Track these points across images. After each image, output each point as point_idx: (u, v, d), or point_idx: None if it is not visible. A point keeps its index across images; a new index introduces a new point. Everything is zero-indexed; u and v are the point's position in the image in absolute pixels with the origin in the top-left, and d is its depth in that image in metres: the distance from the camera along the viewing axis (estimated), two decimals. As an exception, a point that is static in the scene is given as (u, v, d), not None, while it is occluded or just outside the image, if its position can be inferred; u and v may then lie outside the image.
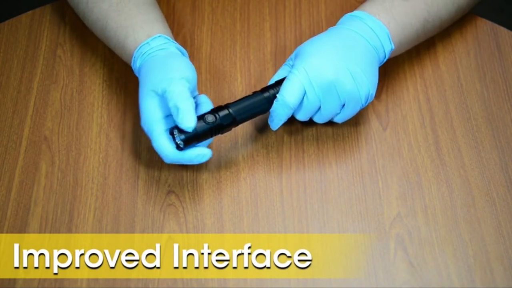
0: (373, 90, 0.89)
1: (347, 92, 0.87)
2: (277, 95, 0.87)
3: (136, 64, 0.90)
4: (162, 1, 1.05)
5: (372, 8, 0.92)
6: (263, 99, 0.88)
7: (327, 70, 0.86)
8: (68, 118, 0.95)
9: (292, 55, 0.91)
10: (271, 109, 0.88)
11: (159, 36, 0.90)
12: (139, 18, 0.92)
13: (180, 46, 0.91)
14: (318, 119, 0.89)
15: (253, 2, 1.05)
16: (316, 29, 1.02)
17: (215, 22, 1.03)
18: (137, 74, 0.91)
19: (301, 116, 0.89)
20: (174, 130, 0.84)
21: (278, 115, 0.88)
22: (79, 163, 0.91)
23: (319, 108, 0.88)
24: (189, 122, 0.83)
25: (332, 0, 1.05)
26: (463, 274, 0.83)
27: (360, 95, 0.87)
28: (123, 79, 0.97)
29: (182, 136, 0.83)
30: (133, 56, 0.90)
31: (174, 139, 0.84)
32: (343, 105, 0.88)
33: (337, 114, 0.89)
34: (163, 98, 0.85)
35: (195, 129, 0.83)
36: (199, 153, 0.85)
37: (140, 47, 0.90)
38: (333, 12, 1.04)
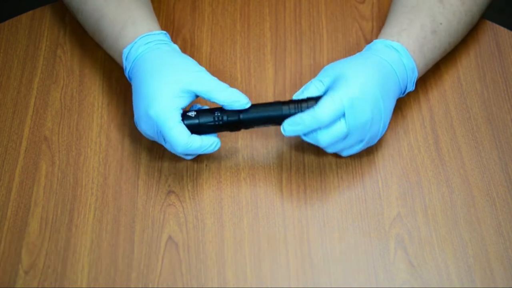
0: (386, 129, 0.89)
1: (374, 133, 0.86)
2: (311, 106, 0.84)
3: (137, 50, 0.89)
4: (162, 1, 1.05)
5: (409, 41, 0.90)
6: (279, 110, 0.86)
7: (367, 108, 0.84)
8: (68, 118, 0.95)
9: (328, 72, 0.87)
10: (298, 115, 0.84)
11: (161, 33, 0.91)
12: (140, 13, 0.92)
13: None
14: (331, 149, 0.87)
15: (253, 2, 1.05)
16: (316, 29, 1.02)
17: (215, 22, 1.03)
18: (128, 62, 0.90)
19: (322, 139, 0.85)
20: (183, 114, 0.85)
21: (301, 123, 0.84)
22: (79, 163, 0.91)
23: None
24: (243, 100, 0.86)
25: (332, 0, 1.05)
26: (463, 274, 0.83)
27: (380, 136, 0.88)
28: (123, 79, 0.97)
29: (189, 121, 0.85)
30: (134, 43, 0.89)
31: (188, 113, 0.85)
32: (359, 142, 0.87)
33: (349, 148, 0.88)
34: (184, 91, 0.85)
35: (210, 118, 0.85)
36: (214, 141, 0.86)
37: (145, 36, 0.90)
38: (333, 12, 1.04)
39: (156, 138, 0.87)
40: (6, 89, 0.98)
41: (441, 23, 0.92)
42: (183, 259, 0.84)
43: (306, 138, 0.86)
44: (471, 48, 1.00)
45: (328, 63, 0.98)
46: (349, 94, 0.83)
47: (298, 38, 1.02)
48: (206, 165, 0.91)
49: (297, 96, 0.88)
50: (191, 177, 0.90)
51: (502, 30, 1.01)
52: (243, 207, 0.88)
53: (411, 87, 0.91)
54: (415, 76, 0.90)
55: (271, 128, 0.93)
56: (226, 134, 0.93)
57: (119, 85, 0.97)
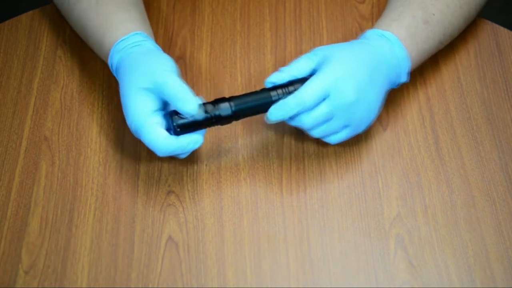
0: (375, 118, 0.89)
1: (359, 118, 0.86)
2: (296, 90, 0.84)
3: (113, 60, 0.90)
4: (162, 1, 1.05)
5: (400, 30, 0.90)
6: (268, 97, 0.86)
7: (351, 89, 0.84)
8: (68, 118, 0.95)
9: (317, 52, 0.87)
10: (282, 100, 0.84)
11: (135, 34, 0.90)
12: (118, 17, 0.92)
13: (156, 44, 0.91)
14: (315, 132, 0.87)
15: (253, 2, 1.05)
16: (316, 29, 1.02)
17: (215, 22, 1.03)
18: (114, 72, 0.91)
19: (306, 121, 0.85)
20: (172, 113, 0.83)
21: (286, 108, 0.83)
22: (79, 163, 0.91)
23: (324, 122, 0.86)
24: (191, 106, 0.82)
25: (332, 0, 1.05)
26: (463, 274, 0.83)
27: (367, 123, 0.88)
28: (123, 79, 0.97)
29: (180, 121, 0.83)
30: (110, 53, 0.90)
31: (172, 122, 0.83)
32: (345, 126, 0.87)
33: (335, 134, 0.88)
34: (153, 93, 0.84)
35: (193, 116, 0.83)
36: (191, 140, 0.84)
37: (117, 44, 0.90)
38: (333, 12, 1.04)
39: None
40: (6, 89, 0.98)
41: (433, 14, 0.92)
42: (183, 259, 0.84)
43: (291, 122, 0.86)
44: (471, 48, 1.00)
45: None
46: (334, 74, 0.84)
47: (298, 38, 1.02)
48: (206, 165, 0.91)
49: (284, 70, 0.87)
50: (191, 177, 0.90)
51: (502, 30, 1.01)
52: (243, 207, 0.88)
53: (404, 78, 0.91)
54: (408, 66, 0.90)
55: (272, 128, 0.93)
56: (226, 134, 0.93)
57: (119, 85, 0.97)
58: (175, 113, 0.84)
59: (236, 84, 0.97)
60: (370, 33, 0.90)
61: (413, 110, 0.95)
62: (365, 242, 0.85)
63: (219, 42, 1.01)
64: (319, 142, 0.92)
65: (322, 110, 0.84)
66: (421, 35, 0.91)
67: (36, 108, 0.96)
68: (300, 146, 0.92)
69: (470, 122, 0.94)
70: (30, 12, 1.04)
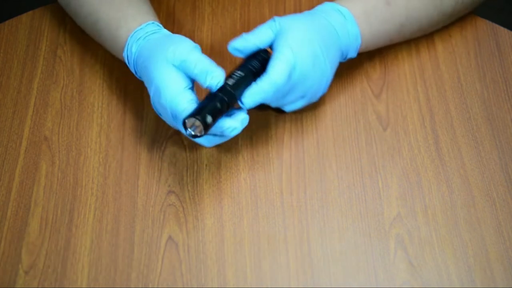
0: (327, 88, 0.90)
1: (315, 89, 0.88)
2: (267, 73, 0.84)
3: (131, 51, 0.90)
4: (162, 1, 1.05)
5: (356, 7, 0.91)
6: (251, 75, 0.85)
7: (309, 62, 0.85)
8: (68, 118, 0.95)
9: (277, 23, 0.87)
10: (255, 86, 0.83)
11: (151, 23, 0.91)
12: (131, 10, 0.92)
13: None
14: (273, 104, 0.88)
15: (253, 2, 1.05)
16: (316, 29, 1.02)
17: (215, 22, 1.03)
18: (131, 64, 0.91)
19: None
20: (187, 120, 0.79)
21: (261, 92, 0.83)
22: (79, 163, 0.91)
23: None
24: (221, 75, 0.82)
25: (332, 0, 1.05)
26: (463, 274, 0.83)
27: (321, 93, 0.89)
28: (123, 79, 0.97)
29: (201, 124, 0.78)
30: (127, 44, 0.90)
31: (189, 129, 0.79)
32: (301, 97, 0.89)
33: (291, 103, 0.89)
34: (180, 70, 0.84)
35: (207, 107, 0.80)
36: (230, 125, 0.83)
37: (134, 33, 0.90)
38: (333, 12, 1.04)
39: (172, 125, 0.88)
40: (6, 89, 0.98)
41: None
42: (183, 259, 0.84)
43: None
44: (471, 48, 1.00)
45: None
46: (295, 49, 0.84)
47: (298, 38, 1.01)
48: (206, 165, 0.91)
49: (248, 39, 0.87)
50: (191, 177, 0.90)
51: (502, 30, 1.01)
52: (243, 207, 0.88)
53: (353, 54, 0.92)
54: (358, 43, 0.91)
55: (272, 128, 0.93)
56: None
57: (119, 85, 0.97)
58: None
59: (236, 84, 0.97)
60: (327, 6, 0.91)
61: (413, 110, 0.95)
62: (365, 242, 0.85)
63: (219, 42, 1.01)
64: (319, 142, 0.92)
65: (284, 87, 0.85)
66: (378, 16, 0.92)
67: (36, 108, 0.96)
68: (300, 146, 0.92)
69: (470, 122, 0.94)
70: (30, 12, 1.04)
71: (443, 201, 0.88)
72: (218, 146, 0.92)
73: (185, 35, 1.02)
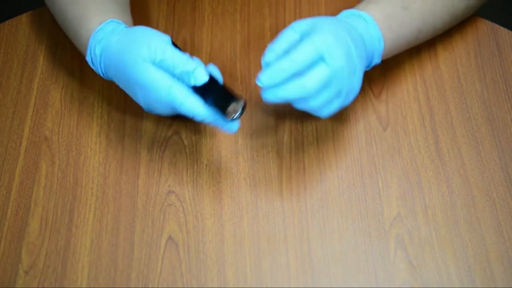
0: (358, 91, 0.89)
1: (350, 85, 0.85)
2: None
3: (95, 52, 0.89)
4: (162, 1, 1.05)
5: (375, 11, 0.90)
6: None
7: (342, 52, 0.83)
8: (68, 118, 0.95)
9: (301, 24, 0.86)
10: (273, 65, 0.82)
11: (111, 21, 0.90)
12: (93, 8, 0.92)
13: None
14: (314, 103, 0.84)
15: (253, 2, 1.05)
16: (316, 29, 1.02)
17: (215, 22, 1.03)
18: (95, 65, 0.91)
19: (309, 84, 0.82)
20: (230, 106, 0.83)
21: (279, 70, 0.81)
22: (79, 163, 0.91)
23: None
24: (204, 76, 0.83)
25: (332, 0, 1.05)
26: (463, 274, 0.83)
27: (354, 93, 0.88)
28: (123, 79, 0.97)
29: (240, 108, 0.84)
30: (89, 46, 0.90)
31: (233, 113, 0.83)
32: (337, 95, 0.86)
33: (328, 104, 0.86)
34: (159, 66, 0.84)
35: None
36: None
37: (95, 34, 0.89)
38: (333, 12, 1.04)
39: (176, 113, 0.88)
40: (6, 89, 0.98)
41: (414, 1, 0.92)
42: (183, 259, 0.84)
43: (291, 94, 0.83)
44: (471, 48, 1.00)
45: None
46: (323, 39, 0.83)
47: (298, 38, 1.01)
48: (206, 165, 0.91)
49: (275, 49, 0.85)
50: (191, 177, 0.90)
51: (502, 30, 1.01)
52: (243, 207, 0.88)
53: (377, 59, 0.91)
54: (381, 47, 0.91)
55: (271, 128, 0.93)
56: (226, 134, 0.93)
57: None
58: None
59: (236, 84, 0.97)
60: (346, 13, 0.91)
61: (413, 110, 0.95)
62: (365, 242, 0.85)
63: (219, 42, 1.01)
64: (319, 142, 0.92)
65: (321, 71, 0.82)
66: (397, 20, 0.91)
67: (36, 108, 0.96)
68: (300, 146, 0.92)
69: (470, 122, 0.94)
70: (30, 12, 1.04)
71: (443, 201, 0.88)
72: (218, 146, 0.92)
73: (185, 35, 1.02)
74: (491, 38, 1.01)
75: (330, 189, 0.89)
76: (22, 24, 1.03)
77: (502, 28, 1.01)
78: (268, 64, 0.84)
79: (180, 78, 0.84)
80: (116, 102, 0.96)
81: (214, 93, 0.84)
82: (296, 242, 0.85)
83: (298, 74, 0.82)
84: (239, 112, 0.84)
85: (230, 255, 0.85)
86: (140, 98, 0.87)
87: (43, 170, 0.91)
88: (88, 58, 0.91)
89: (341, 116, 0.94)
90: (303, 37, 0.85)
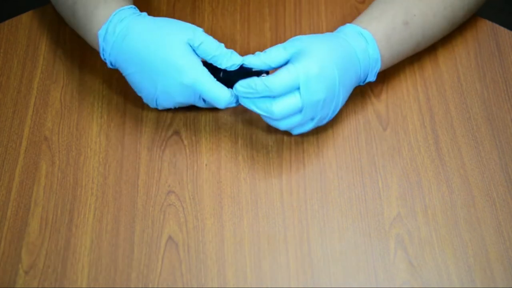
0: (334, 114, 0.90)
1: (325, 113, 0.87)
2: (265, 73, 0.87)
3: (114, 30, 0.88)
4: (162, 1, 1.05)
5: (378, 30, 0.90)
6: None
7: (322, 87, 0.85)
8: (68, 118, 0.95)
9: (293, 43, 0.87)
10: (251, 78, 0.85)
11: (134, 7, 0.91)
12: None
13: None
14: (283, 124, 0.87)
15: (253, 2, 1.05)
16: (316, 29, 1.02)
17: (215, 22, 1.03)
18: (109, 43, 0.89)
19: (276, 109, 0.84)
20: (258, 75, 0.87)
21: (253, 87, 0.84)
22: (79, 163, 0.91)
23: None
24: (239, 58, 0.87)
25: (332, 0, 1.05)
26: (463, 274, 0.83)
27: (331, 117, 0.89)
28: (123, 79, 0.97)
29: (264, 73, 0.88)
30: (108, 22, 0.89)
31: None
32: (311, 119, 0.88)
33: (300, 126, 0.88)
34: (195, 49, 0.87)
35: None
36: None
37: (119, 12, 0.89)
38: (333, 12, 1.04)
39: (189, 103, 0.90)
40: (6, 89, 0.98)
41: (414, 15, 0.92)
42: (183, 259, 0.84)
43: (259, 110, 0.86)
44: (471, 48, 1.00)
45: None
46: (307, 69, 0.84)
47: (298, 38, 1.01)
48: (206, 165, 0.91)
49: (259, 56, 0.87)
50: (191, 177, 0.90)
51: (502, 30, 1.01)
52: (243, 207, 0.88)
53: (372, 78, 0.92)
54: (378, 67, 0.91)
55: (271, 128, 0.93)
56: (226, 134, 0.93)
57: (119, 85, 0.97)
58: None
59: (236, 84, 0.97)
60: (349, 29, 0.91)
61: (413, 110, 0.95)
62: (365, 242, 0.85)
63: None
64: (319, 142, 0.92)
65: (292, 101, 0.84)
66: (398, 37, 0.92)
67: (36, 108, 0.96)
68: (300, 146, 0.92)
69: (470, 122, 0.94)
70: (30, 12, 1.04)
71: (443, 201, 0.88)
72: (218, 146, 0.92)
73: (185, 35, 1.02)
74: (491, 38, 1.01)
75: (330, 189, 0.89)
76: (22, 24, 1.03)
77: (502, 28, 1.01)
78: (246, 65, 0.88)
79: (216, 57, 0.87)
80: (116, 102, 0.96)
81: (240, 76, 0.87)
82: (296, 242, 0.85)
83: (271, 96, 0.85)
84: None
85: (230, 255, 0.85)
86: (159, 83, 0.88)
87: (43, 170, 0.91)
88: (100, 34, 0.90)
89: (341, 116, 0.94)
90: (291, 58, 0.86)
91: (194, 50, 0.87)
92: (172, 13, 1.04)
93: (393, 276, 0.83)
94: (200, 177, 0.90)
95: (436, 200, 0.88)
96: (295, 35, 1.01)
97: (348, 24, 0.91)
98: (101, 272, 0.84)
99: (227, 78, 0.88)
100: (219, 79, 0.88)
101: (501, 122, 0.93)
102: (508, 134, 0.92)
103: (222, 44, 0.88)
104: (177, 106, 0.92)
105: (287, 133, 0.93)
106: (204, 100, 0.90)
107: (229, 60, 0.87)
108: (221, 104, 0.87)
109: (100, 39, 0.90)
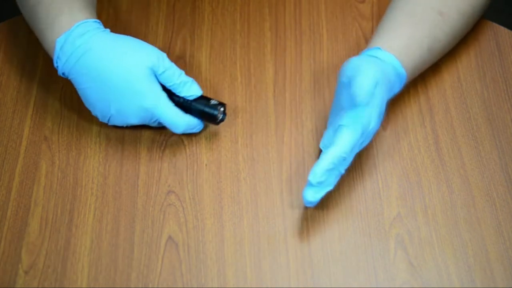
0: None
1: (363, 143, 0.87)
2: (220, 105, 0.90)
3: (74, 43, 0.87)
4: (162, 1, 1.05)
5: (409, 60, 0.90)
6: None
7: (375, 127, 0.85)
8: (68, 118, 0.95)
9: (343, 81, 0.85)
10: (324, 161, 0.82)
11: (97, 22, 0.90)
12: (77, 3, 0.90)
13: None
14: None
15: (253, 2, 1.05)
16: (316, 29, 1.02)
17: (215, 22, 1.03)
18: (66, 54, 0.88)
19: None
20: (219, 107, 0.90)
21: (331, 165, 0.82)
22: (79, 163, 0.91)
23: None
24: (198, 90, 0.90)
25: (332, 0, 1.05)
26: (463, 274, 0.83)
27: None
28: (123, 79, 0.97)
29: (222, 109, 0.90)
30: (69, 32, 0.87)
31: (221, 114, 0.90)
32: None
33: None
34: (157, 76, 0.88)
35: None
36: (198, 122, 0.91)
37: (80, 24, 0.88)
38: (333, 12, 1.04)
39: (142, 123, 0.90)
40: (6, 89, 0.98)
41: (440, 41, 0.92)
42: (183, 259, 0.84)
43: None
44: (471, 48, 1.00)
45: (328, 63, 0.98)
46: (367, 126, 0.84)
47: (298, 38, 1.02)
48: (206, 165, 0.91)
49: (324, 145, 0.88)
50: (191, 177, 0.90)
51: (502, 30, 1.01)
52: (243, 207, 0.88)
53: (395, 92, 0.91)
54: (402, 86, 0.91)
55: (271, 128, 0.93)
56: (226, 134, 0.93)
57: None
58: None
59: (236, 84, 0.97)
60: (386, 57, 0.88)
61: (413, 110, 0.95)
62: (365, 242, 0.85)
63: (219, 42, 1.01)
64: (319, 142, 0.92)
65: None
66: (422, 63, 0.92)
67: (36, 108, 0.96)
68: (300, 146, 0.92)
69: (470, 122, 0.94)
70: (30, 12, 1.04)
71: (443, 201, 0.88)
72: (218, 146, 0.92)
73: (185, 35, 1.02)
74: (491, 38, 1.01)
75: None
76: (22, 24, 1.03)
77: (502, 28, 1.01)
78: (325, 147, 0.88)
79: (176, 86, 0.88)
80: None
81: (200, 104, 0.90)
82: (296, 242, 0.85)
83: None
84: (224, 114, 0.91)
85: (230, 255, 0.84)
86: (116, 103, 0.88)
87: (43, 170, 0.91)
88: (57, 43, 0.88)
89: (341, 116, 0.94)
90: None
91: (155, 75, 0.88)
92: (172, 13, 1.04)
93: (393, 276, 0.83)
94: (200, 177, 0.90)
95: (436, 200, 0.88)
96: (295, 35, 1.02)
97: (385, 52, 0.89)
98: (101, 272, 0.84)
99: (184, 103, 0.90)
100: (176, 103, 0.89)
101: (501, 122, 0.93)
102: (508, 134, 0.92)
103: (183, 72, 0.89)
104: (128, 125, 0.91)
105: (287, 133, 0.93)
106: (158, 123, 0.90)
107: (189, 90, 0.89)
108: (178, 130, 0.89)
109: (57, 47, 0.88)
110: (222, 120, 0.90)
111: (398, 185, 0.89)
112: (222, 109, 0.90)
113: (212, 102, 0.90)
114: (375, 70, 0.84)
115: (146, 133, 0.93)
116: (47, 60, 1.00)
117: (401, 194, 0.88)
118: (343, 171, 0.84)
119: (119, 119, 0.90)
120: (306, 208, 0.87)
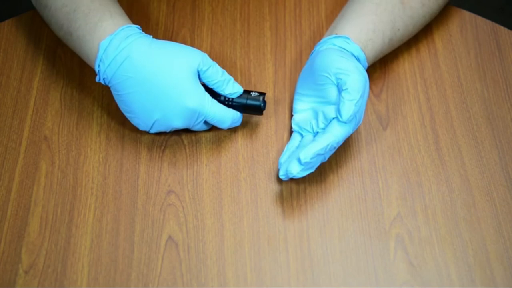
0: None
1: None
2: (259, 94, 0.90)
3: (118, 46, 0.87)
4: (162, 1, 1.05)
5: (371, 53, 0.92)
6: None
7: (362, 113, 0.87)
8: (68, 118, 0.95)
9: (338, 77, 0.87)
10: (314, 144, 0.85)
11: (138, 27, 0.90)
12: (116, 8, 0.91)
13: None
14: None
15: (253, 2, 1.05)
16: (316, 29, 1.02)
17: (215, 22, 1.03)
18: (109, 57, 0.87)
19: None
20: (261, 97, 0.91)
21: (320, 149, 0.85)
22: (79, 163, 0.91)
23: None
24: (240, 87, 0.90)
25: (332, 0, 1.05)
26: (463, 274, 0.83)
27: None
28: (123, 79, 0.97)
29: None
30: (113, 35, 0.87)
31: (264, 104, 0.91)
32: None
33: None
34: (201, 75, 0.89)
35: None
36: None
37: (125, 28, 0.88)
38: (333, 12, 1.04)
39: (183, 127, 0.90)
40: (6, 89, 0.98)
41: (398, 29, 0.94)
42: (183, 259, 0.84)
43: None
44: (471, 47, 1.00)
45: (328, 63, 0.98)
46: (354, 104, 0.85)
47: (298, 38, 1.02)
48: (206, 165, 0.91)
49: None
50: (191, 177, 0.90)
51: (503, 30, 1.01)
52: (243, 207, 0.88)
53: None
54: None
55: (271, 128, 0.93)
56: (226, 134, 0.93)
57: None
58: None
59: (236, 84, 0.97)
60: (354, 48, 0.91)
61: (413, 110, 0.95)
62: (365, 242, 0.85)
63: (219, 42, 1.01)
64: (319, 142, 0.92)
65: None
66: (381, 53, 0.95)
67: (36, 108, 0.96)
68: (300, 146, 0.92)
69: (470, 122, 0.94)
70: (30, 12, 1.04)
71: (443, 201, 0.88)
72: (218, 146, 0.92)
73: (185, 35, 1.02)
74: (491, 38, 1.01)
75: (330, 189, 0.89)
76: (22, 24, 1.03)
77: (502, 27, 1.01)
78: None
79: (219, 83, 0.89)
80: (116, 102, 0.96)
81: (242, 98, 0.91)
82: (296, 242, 0.85)
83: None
84: (265, 103, 0.91)
85: (230, 255, 0.85)
86: (162, 105, 0.87)
87: (43, 170, 0.91)
88: (101, 46, 0.88)
89: (341, 116, 0.94)
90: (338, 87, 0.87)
91: (198, 75, 0.89)
92: (172, 13, 1.04)
93: (393, 276, 0.83)
94: (200, 177, 0.90)
95: (436, 200, 0.88)
96: (295, 35, 1.02)
97: (354, 45, 0.91)
98: (101, 272, 0.84)
99: (226, 100, 0.91)
100: (218, 101, 0.90)
101: (501, 122, 0.93)
102: (508, 134, 0.92)
103: (225, 70, 0.90)
104: (168, 131, 0.91)
105: (287, 133, 0.93)
106: (205, 123, 0.91)
107: (232, 87, 0.90)
108: (225, 125, 0.90)
109: (101, 50, 0.88)
110: (264, 109, 0.91)
111: (398, 185, 0.89)
112: (262, 98, 0.91)
113: (253, 94, 0.91)
114: (362, 83, 0.85)
115: (146, 133, 0.93)
116: (47, 60, 1.00)
117: (401, 194, 0.88)
118: (326, 158, 0.87)
119: (163, 123, 0.89)
120: (306, 208, 0.87)
